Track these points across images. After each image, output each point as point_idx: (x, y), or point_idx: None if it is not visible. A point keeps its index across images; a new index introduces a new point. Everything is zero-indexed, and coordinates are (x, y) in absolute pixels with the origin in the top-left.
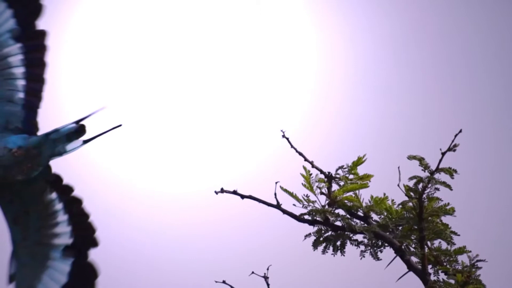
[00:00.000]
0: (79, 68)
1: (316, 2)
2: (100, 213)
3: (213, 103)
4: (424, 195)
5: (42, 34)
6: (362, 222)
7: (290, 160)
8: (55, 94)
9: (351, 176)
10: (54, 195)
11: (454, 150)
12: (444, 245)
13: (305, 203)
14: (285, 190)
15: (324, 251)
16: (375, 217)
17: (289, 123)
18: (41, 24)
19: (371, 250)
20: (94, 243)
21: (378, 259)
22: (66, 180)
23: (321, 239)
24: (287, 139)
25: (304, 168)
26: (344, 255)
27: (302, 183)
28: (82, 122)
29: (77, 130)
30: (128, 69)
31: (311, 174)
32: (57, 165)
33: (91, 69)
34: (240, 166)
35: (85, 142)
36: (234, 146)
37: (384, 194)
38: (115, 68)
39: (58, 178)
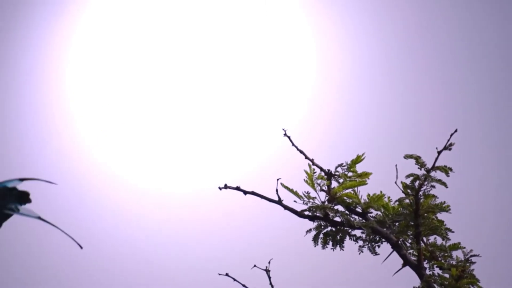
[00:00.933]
0: (81, 68)
1: (316, 2)
2: (105, 213)
3: (215, 103)
4: (421, 192)
5: None
6: (360, 218)
7: (290, 158)
8: (59, 95)
9: (350, 174)
10: None
11: (450, 149)
12: (439, 241)
13: (306, 199)
14: (286, 187)
15: (323, 246)
16: (374, 212)
17: (290, 122)
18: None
19: (369, 245)
20: None
21: (375, 253)
22: (69, 179)
23: (321, 234)
24: (289, 137)
25: (309, 165)
26: (343, 250)
27: (304, 179)
28: (26, 190)
29: (23, 195)
30: (130, 68)
31: (315, 172)
32: (59, 164)
33: (93, 69)
34: (242, 164)
35: (40, 219)
36: (237, 145)
37: (381, 191)
38: (118, 67)
39: None
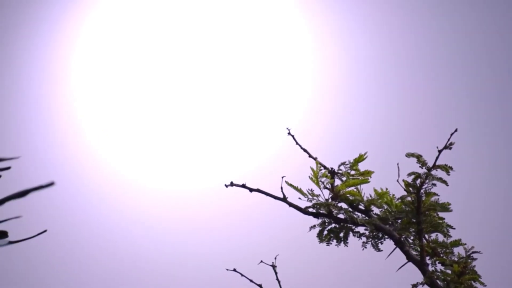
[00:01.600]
0: (87, 68)
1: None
2: (112, 212)
3: (220, 103)
4: (422, 190)
5: None
6: (363, 215)
7: (293, 156)
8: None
9: (352, 172)
10: None
11: (450, 148)
12: (440, 238)
13: (310, 196)
14: (290, 185)
15: (328, 242)
16: (375, 210)
17: (293, 121)
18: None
19: (372, 241)
20: None
21: (379, 250)
22: (73, 179)
23: (325, 230)
24: (293, 136)
25: (317, 163)
26: (347, 246)
27: (309, 176)
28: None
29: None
30: (135, 68)
31: (321, 169)
32: (62, 164)
33: (98, 69)
34: (248, 162)
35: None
36: (241, 144)
37: (386, 188)
38: (123, 67)
39: None
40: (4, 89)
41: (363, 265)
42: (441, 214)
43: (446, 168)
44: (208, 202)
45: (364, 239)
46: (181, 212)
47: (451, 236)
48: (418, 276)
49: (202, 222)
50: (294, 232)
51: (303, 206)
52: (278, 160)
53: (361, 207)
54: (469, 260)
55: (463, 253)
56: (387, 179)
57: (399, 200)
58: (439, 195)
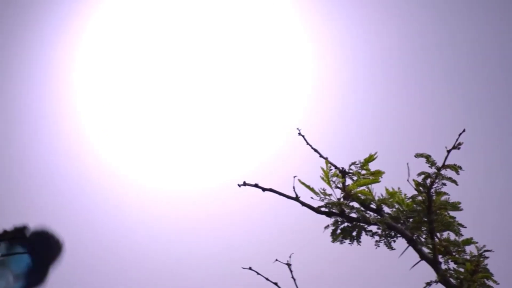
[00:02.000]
0: (89, 69)
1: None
2: (113, 212)
3: (234, 105)
4: (432, 190)
5: None
6: (375, 214)
7: (304, 156)
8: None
9: (363, 172)
10: None
11: (459, 148)
12: (452, 237)
13: (322, 196)
14: (303, 184)
15: (341, 241)
16: (386, 209)
17: (302, 121)
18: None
19: (385, 240)
20: None
21: (392, 248)
22: (75, 179)
23: (338, 229)
24: (303, 136)
25: (326, 162)
26: (360, 245)
27: (321, 176)
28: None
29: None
30: (140, 68)
31: (331, 169)
32: (64, 163)
33: (100, 70)
34: (259, 161)
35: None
36: (254, 145)
37: (399, 188)
38: (126, 68)
39: None
40: (5, 89)
41: (375, 264)
42: (451, 213)
43: (455, 168)
44: (209, 202)
45: (376, 238)
46: (187, 213)
47: (462, 235)
48: (431, 274)
49: (208, 222)
50: (308, 231)
51: (314, 206)
52: (287, 160)
53: (373, 206)
54: (481, 259)
55: (475, 252)
56: (396, 179)
57: (410, 200)
58: (449, 194)
